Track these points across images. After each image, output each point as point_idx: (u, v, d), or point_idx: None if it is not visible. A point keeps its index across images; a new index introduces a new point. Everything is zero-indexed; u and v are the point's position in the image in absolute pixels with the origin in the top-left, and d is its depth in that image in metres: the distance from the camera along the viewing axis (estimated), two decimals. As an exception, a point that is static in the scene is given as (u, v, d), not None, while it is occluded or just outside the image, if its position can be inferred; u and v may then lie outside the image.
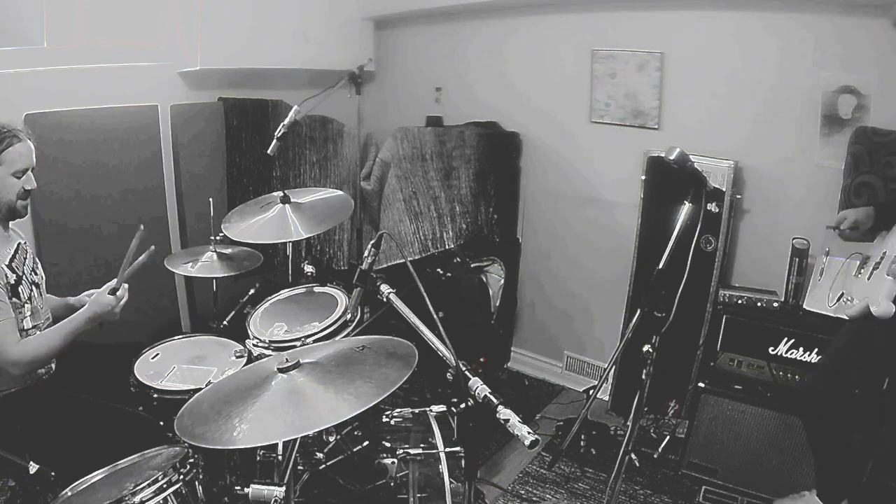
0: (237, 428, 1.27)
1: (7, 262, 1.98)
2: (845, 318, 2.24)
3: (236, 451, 2.01)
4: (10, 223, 2.10)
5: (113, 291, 2.05)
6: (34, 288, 2.08)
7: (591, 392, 3.43)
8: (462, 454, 1.68)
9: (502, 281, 3.64)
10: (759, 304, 2.77)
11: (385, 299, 1.71)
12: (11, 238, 2.09)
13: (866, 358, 2.21)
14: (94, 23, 2.86)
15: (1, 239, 2.04)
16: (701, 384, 2.74)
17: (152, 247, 2.16)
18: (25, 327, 2.00)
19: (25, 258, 2.10)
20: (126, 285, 2.10)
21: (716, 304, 2.89)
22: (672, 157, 1.87)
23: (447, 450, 1.78)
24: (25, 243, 2.16)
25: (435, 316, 1.45)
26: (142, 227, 2.13)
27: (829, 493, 2.44)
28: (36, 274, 2.14)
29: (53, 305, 2.21)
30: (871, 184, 2.57)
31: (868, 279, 2.18)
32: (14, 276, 1.98)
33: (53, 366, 2.15)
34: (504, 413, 1.24)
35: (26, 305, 2.01)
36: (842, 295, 2.33)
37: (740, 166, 2.91)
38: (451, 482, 1.75)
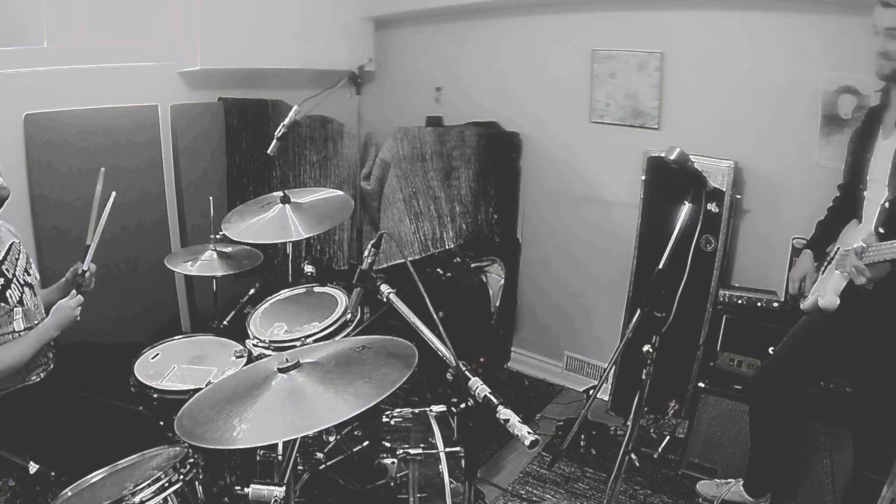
0: (237, 428, 1.27)
1: None
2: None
3: (236, 451, 2.01)
4: (2, 221, 2.08)
5: (77, 275, 2.09)
6: (26, 289, 2.07)
7: (591, 392, 3.43)
8: (462, 454, 1.68)
9: (502, 281, 3.64)
10: (759, 304, 2.77)
11: (385, 299, 1.71)
12: (3, 238, 2.07)
13: (818, 351, 2.27)
14: (94, 23, 2.86)
15: None
16: (701, 384, 2.75)
17: (113, 192, 2.18)
18: (17, 329, 2.00)
19: (18, 258, 2.08)
20: (93, 265, 2.13)
21: (716, 304, 2.89)
22: (672, 157, 1.87)
23: (447, 450, 1.78)
24: (20, 243, 2.14)
25: (435, 316, 1.45)
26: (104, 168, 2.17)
27: (755, 484, 2.50)
28: (29, 274, 2.12)
29: (52, 298, 2.20)
30: (859, 181, 2.57)
31: (822, 274, 2.24)
32: (2, 280, 1.97)
33: (52, 364, 2.15)
34: (504, 413, 1.24)
35: (16, 309, 2.00)
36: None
37: (740, 166, 2.91)
38: (451, 482, 1.75)
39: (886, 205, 1.91)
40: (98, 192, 2.19)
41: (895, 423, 2.13)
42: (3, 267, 1.99)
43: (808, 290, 2.28)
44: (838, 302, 2.07)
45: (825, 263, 2.26)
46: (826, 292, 2.11)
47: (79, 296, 2.06)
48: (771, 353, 2.51)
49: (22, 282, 2.06)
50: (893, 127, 2.01)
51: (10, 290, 1.98)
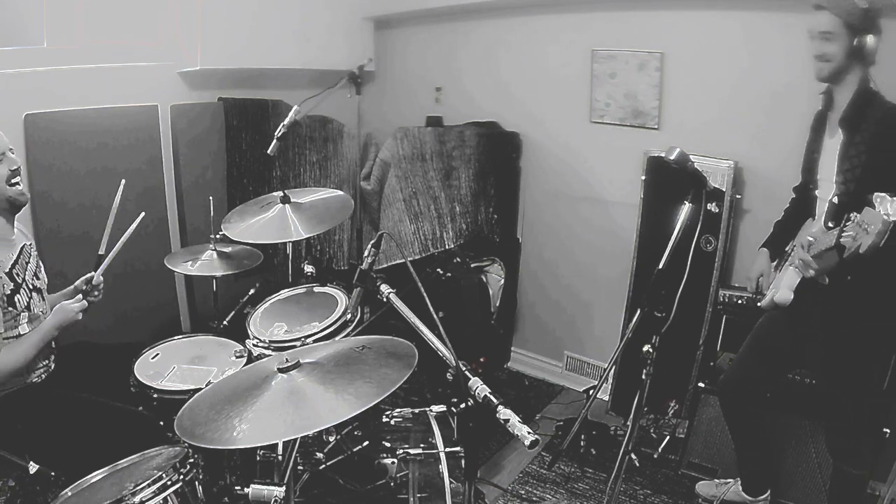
0: (237, 428, 1.27)
1: (8, 269, 1.96)
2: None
3: (236, 451, 2.01)
4: (17, 223, 2.09)
5: (87, 283, 2.09)
6: (34, 294, 2.07)
7: (591, 392, 3.43)
8: (462, 454, 1.68)
9: (502, 281, 3.64)
10: (759, 304, 2.76)
11: (385, 299, 1.71)
12: (16, 241, 2.06)
13: (780, 347, 2.31)
14: (94, 23, 2.86)
15: (5, 242, 2.02)
16: (701, 384, 2.75)
17: (142, 213, 2.21)
18: (21, 333, 2.00)
19: (28, 262, 2.08)
20: (102, 278, 2.13)
21: (716, 304, 2.89)
22: (672, 157, 1.87)
23: (447, 450, 1.78)
24: (31, 245, 2.14)
25: (435, 316, 1.45)
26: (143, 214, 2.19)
27: (751, 483, 2.53)
28: (38, 279, 2.12)
29: (52, 303, 2.20)
30: (811, 181, 2.60)
31: (779, 271, 2.31)
32: (12, 284, 1.96)
33: (52, 365, 2.15)
34: (504, 413, 1.24)
35: (23, 313, 2.00)
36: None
37: (740, 166, 2.91)
38: (451, 482, 1.75)
39: (834, 199, 1.99)
40: (116, 204, 2.21)
41: (867, 415, 2.18)
42: (14, 271, 1.99)
43: (766, 287, 2.33)
44: (791, 296, 2.13)
45: (782, 262, 2.31)
46: (780, 288, 2.17)
47: (84, 301, 2.05)
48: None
49: (31, 287, 2.05)
50: (837, 127, 2.06)
51: (18, 295, 1.98)
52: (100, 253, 2.16)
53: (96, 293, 2.13)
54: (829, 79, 2.05)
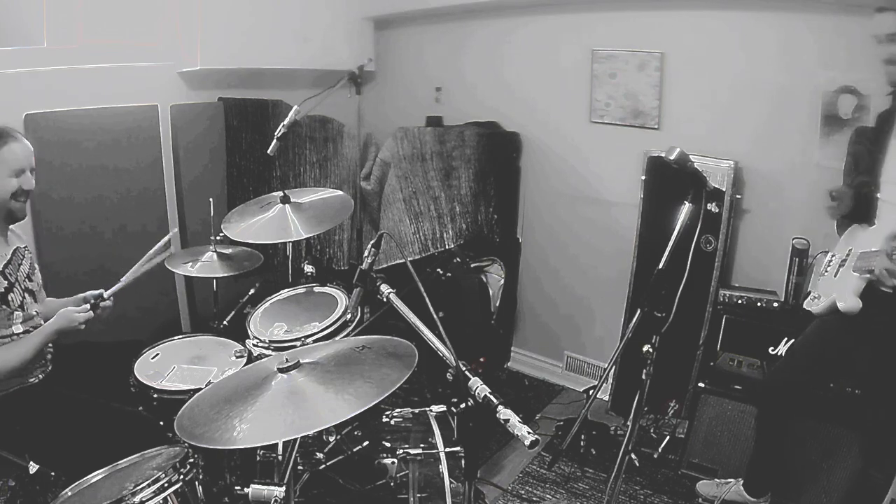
0: (237, 428, 1.27)
1: (0, 268, 1.98)
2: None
3: (236, 451, 2.01)
4: (11, 226, 2.10)
5: (96, 299, 2.09)
6: (27, 295, 2.07)
7: (591, 392, 3.43)
8: (462, 454, 1.68)
9: (502, 281, 3.64)
10: (759, 304, 2.77)
11: (385, 299, 1.71)
12: (10, 242, 2.08)
13: (833, 355, 2.26)
14: (94, 23, 2.86)
15: None
16: (701, 384, 2.75)
17: (175, 229, 2.30)
18: (16, 332, 2.01)
19: (21, 263, 2.09)
20: (112, 299, 2.14)
21: (716, 304, 2.89)
22: (672, 157, 1.87)
23: (447, 450, 1.78)
24: (26, 248, 2.15)
25: (435, 316, 1.45)
26: (176, 229, 2.32)
27: (755, 484, 2.51)
28: (31, 281, 2.13)
29: (52, 309, 2.21)
30: (870, 183, 2.57)
31: (835, 276, 2.23)
32: (5, 283, 1.98)
33: (50, 366, 2.15)
34: (504, 413, 1.24)
35: (16, 313, 2.01)
36: (808, 293, 2.38)
37: (740, 166, 2.91)
38: (451, 482, 1.75)
39: None
40: (158, 247, 2.24)
41: None
42: (6, 271, 2.00)
43: (811, 290, 2.29)
44: (860, 304, 2.04)
45: (837, 266, 2.23)
46: (846, 295, 2.08)
47: (91, 312, 2.04)
48: (773, 353, 2.51)
49: (24, 287, 2.06)
50: None
51: (12, 294, 1.99)
52: (121, 279, 2.16)
53: (102, 312, 2.13)
54: None
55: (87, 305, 2.06)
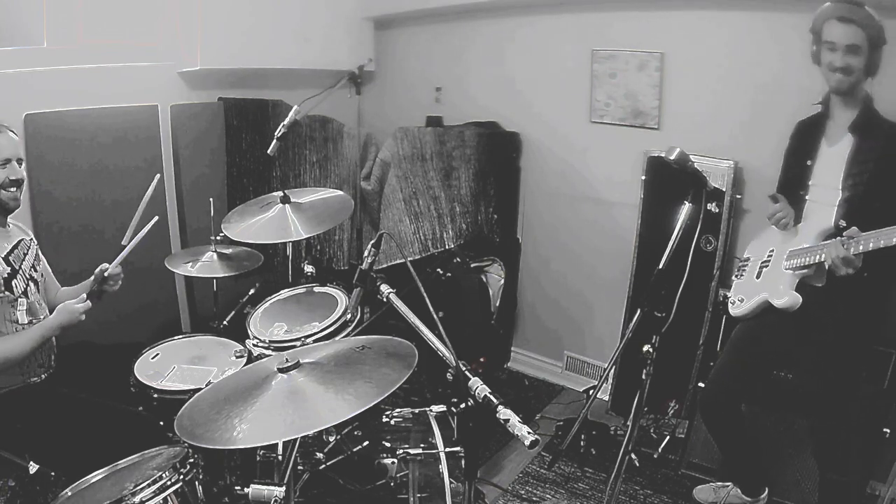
0: (237, 428, 1.27)
1: (4, 255, 2.00)
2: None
3: (236, 451, 2.01)
4: (10, 218, 2.11)
5: (102, 273, 2.10)
6: (31, 284, 2.10)
7: (591, 392, 3.43)
8: (462, 454, 1.68)
9: (502, 281, 3.64)
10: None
11: (385, 299, 1.71)
12: (11, 233, 2.10)
13: (763, 354, 2.32)
14: (94, 23, 2.86)
15: None
16: (701, 384, 2.74)
17: (156, 217, 2.25)
18: (21, 321, 2.02)
19: (26, 253, 2.11)
20: (119, 269, 2.15)
21: (716, 304, 2.89)
22: (672, 157, 1.87)
23: (447, 450, 1.78)
24: (31, 240, 2.18)
25: (435, 316, 1.45)
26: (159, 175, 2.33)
27: (748, 485, 2.54)
28: (36, 271, 2.15)
29: (70, 297, 2.19)
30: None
31: (757, 278, 2.31)
32: (9, 269, 2.00)
33: (53, 364, 2.16)
34: (504, 413, 1.24)
35: (20, 300, 2.02)
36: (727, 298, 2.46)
37: (740, 166, 2.91)
38: (451, 482, 1.75)
39: (846, 201, 2.05)
40: (147, 196, 2.29)
41: (854, 417, 2.19)
42: (10, 258, 2.03)
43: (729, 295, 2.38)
44: (800, 298, 2.13)
45: (757, 268, 2.33)
46: (781, 292, 2.16)
47: (87, 301, 2.04)
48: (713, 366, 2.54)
49: (28, 276, 2.09)
50: (843, 133, 2.11)
51: (15, 280, 2.02)
52: (122, 243, 2.18)
53: (111, 283, 2.15)
54: (847, 91, 2.08)
55: (85, 296, 2.06)
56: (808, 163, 2.21)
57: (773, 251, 2.30)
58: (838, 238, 1.95)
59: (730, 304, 2.39)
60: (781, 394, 2.50)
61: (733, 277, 2.47)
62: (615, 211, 3.37)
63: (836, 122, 2.17)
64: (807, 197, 2.22)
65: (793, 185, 2.29)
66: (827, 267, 2.01)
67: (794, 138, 2.34)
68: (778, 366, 2.45)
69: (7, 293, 1.98)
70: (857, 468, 2.25)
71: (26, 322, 2.03)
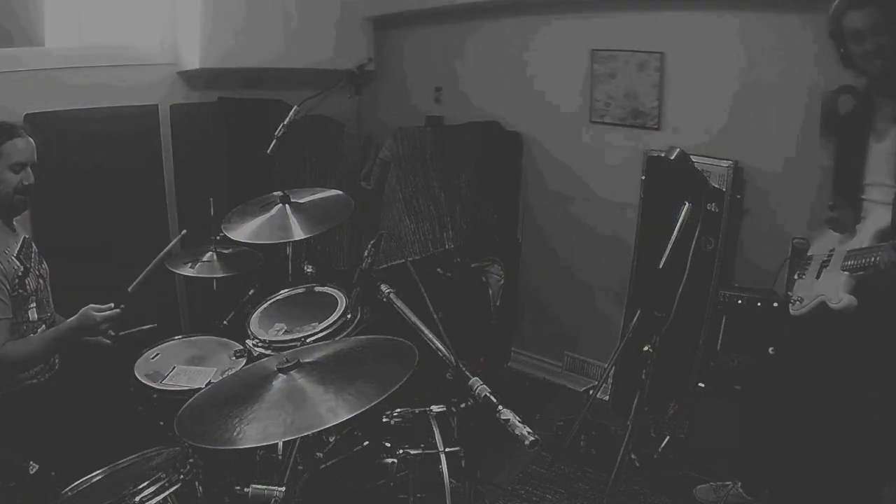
0: (237, 428, 1.27)
1: (15, 254, 2.02)
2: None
3: (236, 451, 2.00)
4: (14, 220, 2.13)
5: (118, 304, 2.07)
6: (40, 280, 2.11)
7: (591, 392, 3.42)
8: (462, 454, 1.68)
9: (502, 281, 3.63)
10: (758, 304, 2.77)
11: (385, 299, 1.71)
12: (17, 233, 2.12)
13: (824, 359, 2.22)
14: (94, 23, 2.86)
15: (6, 233, 2.06)
16: (701, 384, 2.74)
17: (184, 231, 2.40)
18: (31, 319, 2.03)
19: (31, 252, 2.13)
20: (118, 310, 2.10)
21: (716, 304, 2.89)
22: (672, 157, 1.87)
23: (447, 450, 1.78)
24: (31, 240, 2.19)
25: (435, 316, 1.45)
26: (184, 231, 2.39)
27: (753, 484, 2.50)
28: (42, 266, 2.17)
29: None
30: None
31: (817, 278, 2.20)
32: (22, 267, 2.02)
33: (57, 364, 2.16)
34: (504, 413, 1.24)
35: (31, 297, 2.04)
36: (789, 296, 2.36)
37: (740, 166, 2.91)
38: (451, 482, 1.75)
39: None
40: (168, 248, 2.34)
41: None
42: (21, 256, 2.04)
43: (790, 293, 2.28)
44: (856, 301, 2.01)
45: (818, 268, 2.23)
46: (837, 295, 2.05)
47: (114, 311, 2.00)
48: (772, 353, 2.49)
49: (37, 273, 2.11)
50: (891, 125, 2.00)
51: (28, 278, 2.03)
52: (128, 290, 2.14)
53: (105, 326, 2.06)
54: (890, 75, 1.95)
55: (112, 304, 2.01)
56: (858, 161, 2.10)
57: (832, 250, 2.19)
58: (892, 241, 1.87)
59: (790, 305, 2.28)
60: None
61: (795, 276, 2.35)
62: (615, 211, 3.37)
63: (881, 116, 2.05)
64: (863, 196, 2.11)
65: (847, 186, 2.17)
66: (856, 277, 1.94)
67: (841, 135, 2.21)
68: (830, 374, 2.29)
69: (21, 291, 1.99)
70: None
71: (36, 319, 2.05)
